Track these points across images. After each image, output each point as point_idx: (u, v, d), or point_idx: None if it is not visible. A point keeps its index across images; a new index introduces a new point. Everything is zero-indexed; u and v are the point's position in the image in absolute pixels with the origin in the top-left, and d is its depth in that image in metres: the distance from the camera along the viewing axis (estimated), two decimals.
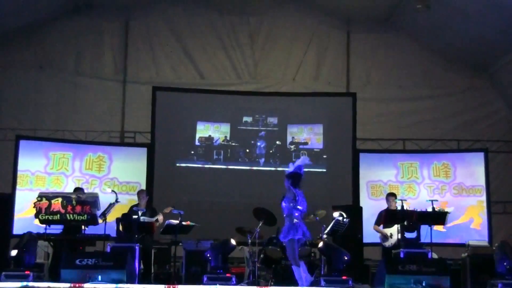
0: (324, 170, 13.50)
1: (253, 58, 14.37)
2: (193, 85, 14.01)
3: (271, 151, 13.61)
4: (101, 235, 10.04)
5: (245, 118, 13.84)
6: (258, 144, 13.64)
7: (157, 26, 14.36)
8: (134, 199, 12.10)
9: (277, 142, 13.70)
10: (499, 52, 13.17)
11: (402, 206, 10.28)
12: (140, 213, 10.40)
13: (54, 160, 12.79)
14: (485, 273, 9.73)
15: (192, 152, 13.53)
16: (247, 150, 13.65)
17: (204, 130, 13.71)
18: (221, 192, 13.24)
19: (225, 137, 13.63)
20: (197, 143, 13.62)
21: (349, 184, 13.20)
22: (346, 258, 8.89)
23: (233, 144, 13.63)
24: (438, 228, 10.95)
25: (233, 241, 9.49)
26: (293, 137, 13.75)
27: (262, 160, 13.62)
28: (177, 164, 13.43)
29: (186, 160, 13.46)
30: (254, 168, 13.57)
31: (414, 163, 13.32)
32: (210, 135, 13.64)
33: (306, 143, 13.74)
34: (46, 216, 9.69)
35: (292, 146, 13.69)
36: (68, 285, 7.67)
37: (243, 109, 13.97)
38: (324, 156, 13.60)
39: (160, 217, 10.66)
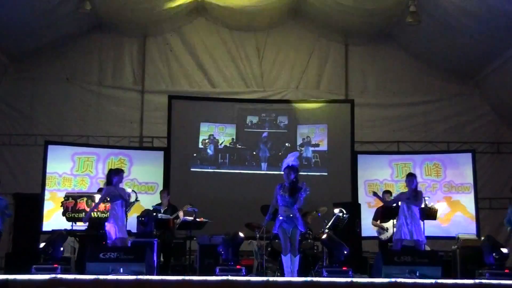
0: (326, 174, 13.35)
1: (260, 68, 14.36)
2: (205, 94, 14.00)
3: (280, 154, 13.16)
4: None
5: (250, 118, 13.47)
6: (261, 146, 13.34)
7: (172, 40, 14.36)
8: (153, 197, 12.12)
9: (287, 144, 13.37)
10: (483, 62, 13.12)
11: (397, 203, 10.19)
12: (162, 210, 10.41)
13: (79, 163, 12.78)
14: (473, 263, 9.65)
15: (199, 155, 13.29)
16: (254, 153, 13.32)
17: (208, 132, 13.40)
18: (231, 191, 13.09)
19: (232, 139, 13.46)
20: (200, 146, 13.34)
21: (348, 183, 13.12)
22: (345, 252, 8.81)
23: (240, 147, 13.39)
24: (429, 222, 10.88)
25: (241, 234, 9.38)
26: (303, 139, 13.53)
27: (265, 164, 13.22)
28: (190, 167, 13.31)
29: (195, 164, 13.27)
30: (261, 172, 13.21)
31: (407, 163, 13.25)
32: (214, 138, 13.37)
33: (317, 145, 13.46)
34: (72, 214, 9.70)
35: (303, 148, 13.41)
36: (92, 277, 7.63)
37: (250, 112, 13.66)
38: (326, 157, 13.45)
39: (180, 214, 10.62)
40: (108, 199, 9.16)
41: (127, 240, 8.99)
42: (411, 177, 9.45)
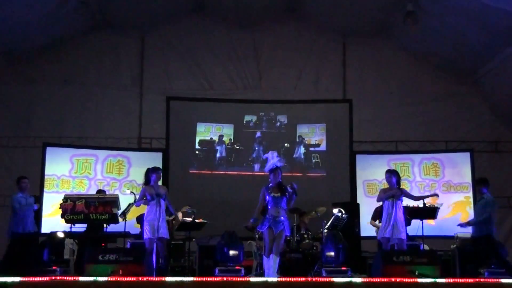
0: (325, 173, 13.36)
1: (258, 69, 14.39)
2: (203, 94, 14.01)
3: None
4: (121, 233, 10.04)
5: (248, 117, 13.39)
6: (256, 147, 13.25)
7: (170, 41, 14.37)
8: None
9: (286, 145, 13.36)
10: (482, 61, 13.13)
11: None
12: None
13: (77, 165, 12.77)
14: (472, 262, 9.66)
15: (197, 156, 13.27)
16: (252, 153, 13.22)
17: (204, 132, 13.36)
18: (230, 192, 13.08)
19: (230, 139, 13.40)
20: (197, 146, 13.31)
21: (347, 183, 13.13)
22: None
23: (238, 147, 13.33)
24: (428, 222, 10.89)
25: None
26: (303, 138, 13.43)
27: (258, 165, 13.07)
28: (189, 167, 13.30)
29: (193, 165, 13.25)
30: (259, 173, 12.95)
31: (406, 162, 13.26)
32: (211, 138, 13.35)
33: (318, 145, 13.41)
34: (71, 216, 9.66)
35: (303, 148, 13.35)
36: (91, 278, 7.64)
37: (248, 111, 13.61)
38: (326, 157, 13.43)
39: (179, 215, 10.61)
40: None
41: (153, 241, 8.90)
42: (389, 173, 9.35)
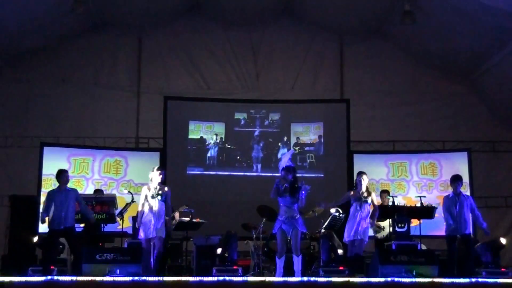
0: (322, 173, 13.32)
1: (255, 69, 14.36)
2: (200, 94, 13.98)
3: (273, 153, 13.11)
4: (119, 232, 10.02)
5: (238, 115, 13.30)
6: (254, 146, 13.16)
7: (167, 41, 14.35)
8: None
9: (279, 144, 13.35)
10: (479, 61, 13.13)
11: (393, 202, 10.22)
12: None
13: (75, 165, 12.74)
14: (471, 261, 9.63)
15: (193, 156, 13.24)
16: (246, 153, 13.16)
17: (194, 131, 13.28)
18: (227, 191, 13.07)
19: (221, 138, 13.30)
20: (188, 146, 13.28)
21: (344, 182, 13.11)
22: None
23: (229, 146, 13.26)
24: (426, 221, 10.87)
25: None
26: (297, 138, 13.46)
27: (259, 165, 13.08)
28: (186, 167, 13.26)
29: (191, 164, 13.22)
30: (256, 174, 13.08)
31: (403, 162, 13.26)
32: (201, 136, 13.27)
33: (312, 144, 13.40)
34: None
35: (297, 148, 13.30)
36: (89, 278, 7.62)
37: (239, 108, 13.53)
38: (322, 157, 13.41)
39: (176, 215, 10.58)
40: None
41: (149, 240, 8.82)
42: (360, 176, 9.53)
